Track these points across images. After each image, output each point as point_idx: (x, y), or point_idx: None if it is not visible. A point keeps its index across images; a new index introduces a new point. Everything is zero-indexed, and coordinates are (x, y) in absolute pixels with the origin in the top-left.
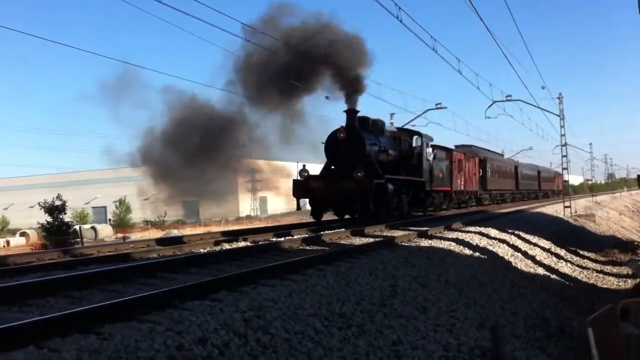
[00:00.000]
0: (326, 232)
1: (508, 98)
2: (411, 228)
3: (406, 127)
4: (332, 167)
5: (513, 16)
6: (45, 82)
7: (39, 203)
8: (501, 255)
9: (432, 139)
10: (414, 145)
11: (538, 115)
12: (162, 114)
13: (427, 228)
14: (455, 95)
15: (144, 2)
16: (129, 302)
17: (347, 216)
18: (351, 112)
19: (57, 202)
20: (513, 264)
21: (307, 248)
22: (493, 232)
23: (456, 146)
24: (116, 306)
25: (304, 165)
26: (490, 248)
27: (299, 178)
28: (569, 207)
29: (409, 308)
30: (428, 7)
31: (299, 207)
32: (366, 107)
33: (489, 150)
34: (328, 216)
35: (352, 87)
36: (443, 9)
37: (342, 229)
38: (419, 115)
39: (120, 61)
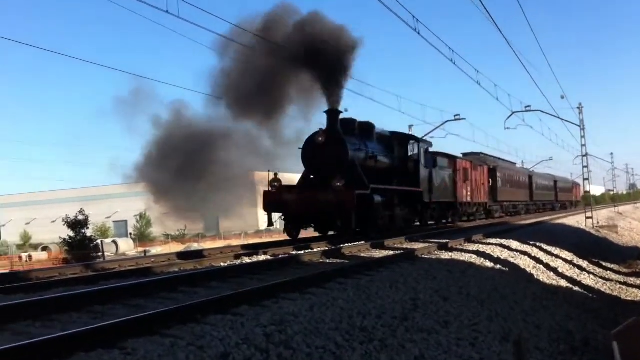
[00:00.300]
0: (346, 245)
1: (527, 108)
2: (431, 240)
3: (426, 137)
4: (312, 176)
5: (531, 26)
6: (61, 95)
7: (62, 218)
8: (523, 267)
9: (431, 145)
10: (409, 151)
11: (558, 125)
12: (158, 130)
13: (447, 240)
14: (474, 107)
15: (157, 14)
16: (152, 317)
17: (331, 232)
18: (332, 113)
19: (80, 217)
20: (535, 277)
21: (328, 261)
22: (514, 244)
23: (463, 154)
24: (139, 321)
25: (275, 174)
26: (512, 260)
27: (269, 189)
28: (591, 218)
29: (431, 322)
30: (445, 18)
31: (270, 223)
32: (384, 118)
33: (499, 159)
34: (310, 232)
35: (334, 83)
36: (461, 21)
37: (362, 242)
38: (437, 127)
39: (133, 74)
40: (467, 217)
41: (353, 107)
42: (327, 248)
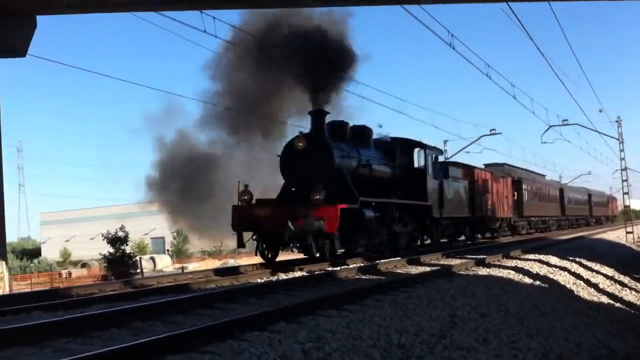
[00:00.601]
0: (382, 261)
1: (564, 122)
2: (468, 256)
3: (461, 152)
4: (293, 188)
5: (568, 39)
6: (94, 113)
7: (102, 234)
8: (563, 283)
9: (441, 152)
10: (415, 160)
11: (596, 139)
12: (163, 151)
13: (485, 256)
14: (510, 121)
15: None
16: (190, 333)
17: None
18: (317, 114)
19: (120, 234)
20: (575, 293)
21: (364, 277)
22: (553, 259)
23: (485, 165)
24: (178, 337)
25: (245, 186)
26: (551, 276)
27: (239, 203)
28: (631, 232)
29: (469, 339)
30: (481, 33)
31: (241, 244)
32: (419, 133)
33: (526, 170)
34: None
35: (320, 77)
36: (496, 35)
37: (398, 258)
38: (473, 142)
39: (163, 91)
40: (490, 234)
41: (387, 123)
42: (362, 264)
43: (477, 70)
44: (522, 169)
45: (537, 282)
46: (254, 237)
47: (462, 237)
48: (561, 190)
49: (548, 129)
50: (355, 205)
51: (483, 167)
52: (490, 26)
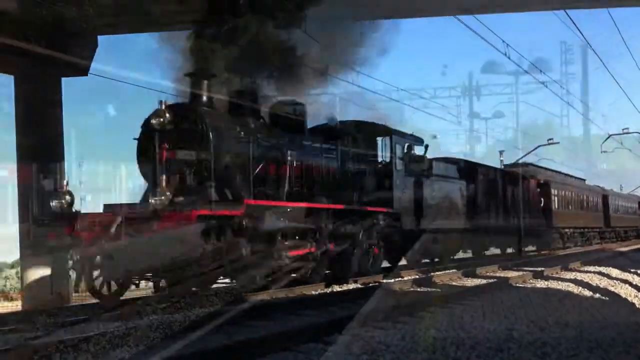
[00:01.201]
0: (437, 273)
1: (625, 131)
2: (525, 269)
3: (509, 163)
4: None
5: (627, 45)
6: None
7: None
8: (624, 296)
9: (420, 142)
10: (379, 151)
11: None
12: None
13: (543, 268)
14: (567, 130)
15: None
16: (246, 344)
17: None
18: (195, 77)
19: None
20: (637, 306)
21: (418, 290)
22: (614, 272)
23: (505, 166)
24: (232, 348)
25: (64, 184)
26: (612, 289)
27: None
28: None
29: (527, 353)
30: (536, 42)
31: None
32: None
33: (558, 172)
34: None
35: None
36: (552, 42)
37: (454, 270)
38: (530, 152)
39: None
40: (515, 250)
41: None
42: (417, 276)
43: (533, 78)
44: (552, 170)
45: (597, 295)
46: (71, 263)
47: (463, 254)
48: (604, 197)
49: (608, 137)
50: (236, 211)
51: (502, 167)
52: (544, 31)
